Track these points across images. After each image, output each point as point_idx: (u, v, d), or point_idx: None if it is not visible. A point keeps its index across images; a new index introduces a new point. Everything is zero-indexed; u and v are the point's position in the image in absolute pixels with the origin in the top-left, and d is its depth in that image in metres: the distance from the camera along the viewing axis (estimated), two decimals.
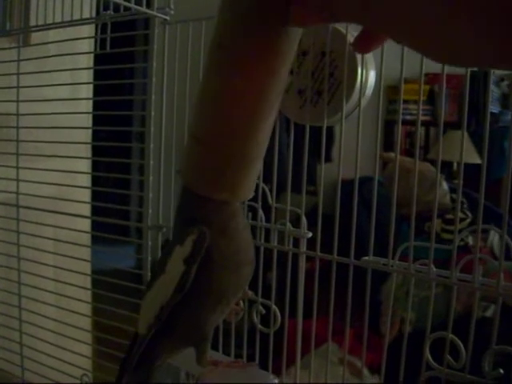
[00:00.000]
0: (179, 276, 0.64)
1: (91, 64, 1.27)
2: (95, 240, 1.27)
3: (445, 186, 2.76)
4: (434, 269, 0.66)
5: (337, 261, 0.74)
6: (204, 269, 0.64)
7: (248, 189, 0.63)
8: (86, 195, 1.35)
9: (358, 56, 0.69)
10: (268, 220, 0.81)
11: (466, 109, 0.67)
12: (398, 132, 0.73)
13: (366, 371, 1.83)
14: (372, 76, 0.73)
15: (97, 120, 1.25)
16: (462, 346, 0.63)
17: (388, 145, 3.30)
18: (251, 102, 0.55)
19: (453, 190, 2.74)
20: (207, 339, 0.71)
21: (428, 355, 0.66)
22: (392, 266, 0.70)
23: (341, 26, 0.70)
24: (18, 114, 1.08)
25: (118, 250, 1.07)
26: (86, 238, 1.31)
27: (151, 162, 0.92)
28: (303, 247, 0.78)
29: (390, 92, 3.14)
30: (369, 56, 0.71)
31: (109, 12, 0.91)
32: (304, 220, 0.77)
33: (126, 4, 0.88)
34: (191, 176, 0.62)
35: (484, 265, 0.70)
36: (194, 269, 0.64)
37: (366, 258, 0.72)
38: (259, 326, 0.83)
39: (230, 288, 0.67)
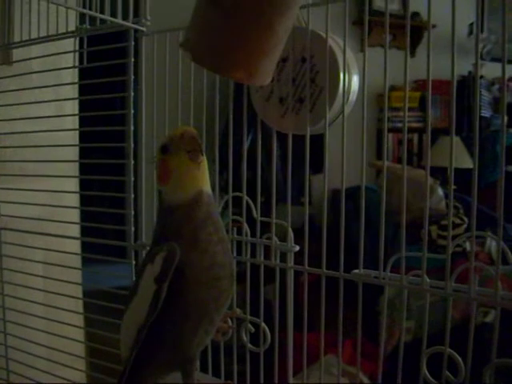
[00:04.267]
0: (151, 296, 0.62)
1: (76, 79, 1.24)
2: (88, 261, 1.24)
3: (440, 191, 2.74)
4: (428, 280, 0.63)
5: (326, 275, 0.71)
6: (178, 286, 0.62)
7: (266, 71, 0.59)
8: (75, 215, 1.32)
9: (340, 60, 0.66)
10: (254, 234, 0.78)
11: (454, 113, 0.64)
12: (384, 138, 0.71)
13: (366, 381, 1.79)
14: (355, 81, 0.70)
15: (84, 136, 1.22)
16: (461, 361, 0.60)
17: (381, 153, 3.28)
18: None
19: (448, 196, 2.71)
20: (193, 361, 0.68)
21: (425, 371, 0.63)
22: (384, 279, 0.67)
23: (321, 30, 0.68)
24: None
25: (113, 271, 1.03)
26: (76, 260, 1.28)
27: (132, 179, 0.89)
28: (291, 261, 0.75)
29: (379, 100, 3.13)
30: (351, 60, 0.69)
31: (85, 26, 0.89)
32: (291, 233, 0.74)
33: (102, 16, 0.85)
34: (202, 50, 0.58)
35: (481, 271, 0.67)
36: (165, 287, 0.61)
37: (357, 271, 0.69)
38: (249, 345, 0.80)
39: (209, 305, 0.64)
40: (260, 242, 0.77)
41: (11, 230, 1.09)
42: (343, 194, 0.70)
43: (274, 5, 0.55)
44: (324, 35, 0.67)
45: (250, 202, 0.76)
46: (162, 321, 0.63)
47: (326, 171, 0.71)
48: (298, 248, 0.74)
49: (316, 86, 0.68)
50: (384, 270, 0.66)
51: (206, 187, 0.66)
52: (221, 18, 0.55)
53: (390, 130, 3.32)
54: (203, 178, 0.65)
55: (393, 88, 3.21)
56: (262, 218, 0.77)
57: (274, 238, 0.76)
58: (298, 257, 0.76)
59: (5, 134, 1.06)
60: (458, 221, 2.63)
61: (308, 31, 0.68)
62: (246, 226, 0.78)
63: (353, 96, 0.71)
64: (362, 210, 0.68)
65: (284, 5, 0.55)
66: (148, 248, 0.88)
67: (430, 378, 0.62)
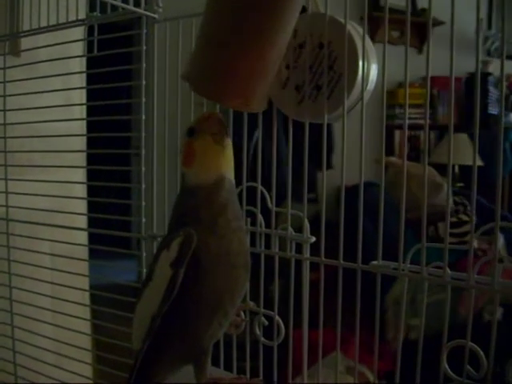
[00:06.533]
0: (167, 282, 0.60)
1: (84, 68, 1.23)
2: (95, 255, 1.23)
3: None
4: (449, 272, 0.61)
5: (343, 266, 0.70)
6: (193, 273, 0.60)
7: (261, 97, 0.61)
8: (83, 207, 1.30)
9: (359, 46, 0.65)
10: (268, 225, 0.77)
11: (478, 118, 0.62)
12: (404, 135, 0.69)
13: (373, 378, 1.78)
14: (374, 69, 0.69)
15: (92, 127, 1.21)
16: (483, 355, 0.58)
17: (387, 150, 3.25)
18: None
19: (455, 193, 2.69)
20: (206, 354, 0.67)
21: (446, 366, 0.61)
22: (403, 270, 0.65)
23: (339, 15, 0.66)
24: (5, 124, 1.04)
25: (119, 264, 1.02)
26: (83, 254, 1.27)
27: (143, 169, 0.88)
28: (306, 253, 0.73)
29: (387, 97, 3.10)
30: (370, 47, 0.67)
31: (95, 13, 0.87)
32: (307, 223, 0.73)
33: (113, 2, 0.84)
34: (201, 81, 0.61)
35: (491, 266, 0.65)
36: (181, 273, 0.60)
37: (375, 262, 0.67)
38: (262, 339, 0.78)
39: (224, 294, 0.63)
40: (275, 232, 0.76)
41: (18, 221, 1.08)
42: (362, 184, 0.68)
43: (264, 35, 0.58)
44: (342, 21, 0.65)
45: (265, 192, 0.75)
46: (176, 310, 0.62)
47: (344, 157, 0.69)
48: (314, 239, 0.72)
49: (334, 73, 0.66)
50: (403, 262, 0.65)
51: (229, 174, 0.65)
52: (214, 50, 0.60)
53: (397, 127, 3.30)
54: (227, 164, 0.65)
55: (401, 85, 3.19)
56: (277, 209, 0.75)
57: (290, 229, 0.74)
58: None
59: (12, 124, 1.05)
60: (465, 218, 2.61)
61: (326, 17, 0.66)
62: (260, 217, 0.77)
63: (371, 85, 0.69)
64: (380, 203, 0.66)
65: (273, 33, 0.58)
66: (159, 239, 0.87)
67: (452, 374, 0.60)
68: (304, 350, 0.74)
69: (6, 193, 1.06)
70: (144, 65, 0.85)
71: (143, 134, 0.87)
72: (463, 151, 3.01)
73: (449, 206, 0.63)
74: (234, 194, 0.66)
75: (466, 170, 3.15)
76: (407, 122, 0.67)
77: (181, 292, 0.61)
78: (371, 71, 0.68)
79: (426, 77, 0.61)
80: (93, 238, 1.29)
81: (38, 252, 1.07)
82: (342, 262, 0.70)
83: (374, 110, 0.70)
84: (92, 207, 1.27)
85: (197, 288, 0.61)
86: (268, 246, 0.77)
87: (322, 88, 0.67)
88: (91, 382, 1.08)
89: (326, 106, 0.67)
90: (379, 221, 0.66)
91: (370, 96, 0.69)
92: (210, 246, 0.61)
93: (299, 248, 0.75)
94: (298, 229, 0.75)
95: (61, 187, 1.06)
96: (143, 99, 0.86)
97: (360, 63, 0.65)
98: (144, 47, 0.85)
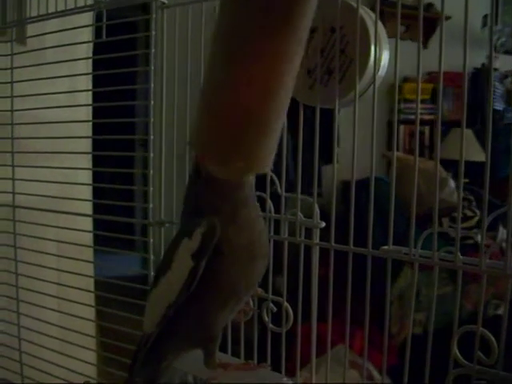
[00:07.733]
0: (187, 273, 0.59)
1: (90, 54, 1.22)
2: (99, 251, 1.23)
3: (452, 184, 2.71)
4: (461, 256, 0.61)
5: (353, 252, 0.69)
6: (213, 263, 0.59)
7: (265, 159, 0.59)
8: (88, 195, 1.30)
9: (371, 31, 0.64)
10: (278, 211, 0.76)
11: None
12: (416, 129, 0.68)
13: (376, 373, 1.78)
14: (385, 55, 0.68)
15: (98, 113, 1.20)
16: (494, 341, 0.58)
17: (391, 145, 3.24)
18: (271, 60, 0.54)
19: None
20: (216, 340, 0.66)
21: (456, 352, 0.61)
22: (414, 255, 0.64)
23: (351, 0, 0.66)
24: (12, 111, 1.04)
25: (123, 254, 1.02)
26: (89, 241, 1.27)
27: (151, 155, 0.87)
28: (316, 238, 0.73)
29: (393, 91, 3.09)
30: (382, 32, 0.67)
31: None
32: (316, 209, 0.72)
33: None
34: (203, 146, 0.59)
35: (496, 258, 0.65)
36: (202, 265, 0.59)
37: (386, 247, 0.66)
38: (270, 326, 0.78)
39: (240, 284, 0.62)
40: (285, 218, 0.75)
41: (24, 207, 1.08)
42: (372, 173, 0.67)
43: (265, 98, 0.56)
44: (354, 5, 0.65)
45: (275, 178, 0.74)
46: (191, 297, 0.61)
47: (356, 140, 0.68)
48: (324, 224, 0.72)
49: (346, 57, 0.65)
50: (414, 247, 0.64)
51: None
52: (214, 119, 0.58)
53: (401, 122, 3.29)
54: None
55: (406, 79, 3.18)
56: (287, 194, 0.74)
57: (299, 214, 0.73)
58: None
59: (18, 110, 1.05)
60: (469, 213, 2.60)
61: (338, 1, 0.65)
62: (269, 203, 0.76)
63: (382, 70, 0.68)
64: (391, 192, 0.66)
65: (273, 102, 0.56)
66: (167, 225, 0.87)
67: (462, 359, 0.60)
68: (312, 339, 0.74)
69: (13, 179, 1.06)
70: (153, 50, 0.85)
71: (151, 120, 0.87)
72: (468, 147, 3.01)
73: (460, 196, 0.63)
74: (253, 187, 0.64)
75: (470, 165, 3.14)
76: (419, 116, 0.67)
77: (198, 280, 0.60)
78: (383, 56, 0.67)
79: (431, 72, 0.61)
80: (98, 229, 1.29)
81: (43, 239, 1.07)
82: (352, 247, 0.69)
83: (379, 104, 0.69)
84: (97, 196, 1.27)
85: (214, 278, 0.61)
86: (277, 232, 0.77)
87: (333, 72, 0.67)
88: (96, 368, 1.09)
89: (337, 90, 0.66)
90: (390, 211, 0.66)
91: (381, 82, 0.69)
92: (231, 236, 0.60)
93: (308, 237, 0.74)
94: (306, 217, 0.74)
95: (66, 175, 1.06)
96: (152, 84, 0.86)
97: (372, 47, 0.64)
98: (153, 32, 0.85)
